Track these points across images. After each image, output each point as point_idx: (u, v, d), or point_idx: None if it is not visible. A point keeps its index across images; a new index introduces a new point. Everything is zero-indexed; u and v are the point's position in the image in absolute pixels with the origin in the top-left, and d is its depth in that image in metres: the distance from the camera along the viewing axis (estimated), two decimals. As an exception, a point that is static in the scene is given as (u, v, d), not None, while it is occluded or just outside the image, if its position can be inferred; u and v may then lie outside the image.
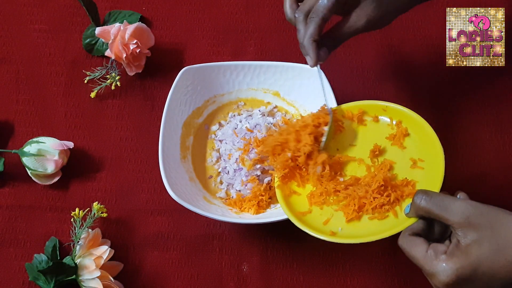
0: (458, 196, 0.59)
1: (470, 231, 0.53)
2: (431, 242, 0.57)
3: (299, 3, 0.68)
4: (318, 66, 0.69)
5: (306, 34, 0.65)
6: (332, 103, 0.74)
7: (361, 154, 0.70)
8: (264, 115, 0.82)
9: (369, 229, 0.64)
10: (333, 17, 0.66)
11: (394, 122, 0.70)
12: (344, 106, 0.73)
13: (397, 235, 0.60)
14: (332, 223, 0.66)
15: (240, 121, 0.82)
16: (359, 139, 0.72)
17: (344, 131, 0.72)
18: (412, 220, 0.59)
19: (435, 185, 0.62)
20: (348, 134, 0.72)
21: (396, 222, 0.63)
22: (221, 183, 0.79)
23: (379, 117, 0.72)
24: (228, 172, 0.79)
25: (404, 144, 0.69)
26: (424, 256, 0.55)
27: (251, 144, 0.78)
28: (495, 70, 0.83)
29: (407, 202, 0.61)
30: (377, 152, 0.70)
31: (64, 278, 0.72)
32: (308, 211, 0.68)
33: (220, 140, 0.82)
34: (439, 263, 0.54)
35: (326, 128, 0.69)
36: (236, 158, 0.79)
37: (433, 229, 0.59)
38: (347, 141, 0.72)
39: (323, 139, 0.69)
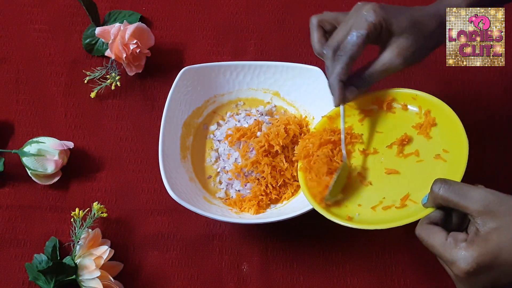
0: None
1: (490, 219, 0.52)
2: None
3: (327, 36, 0.65)
4: (342, 106, 0.67)
5: (333, 72, 0.63)
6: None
7: (387, 142, 0.70)
8: (262, 114, 0.82)
9: (386, 216, 0.64)
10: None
11: (423, 112, 0.70)
12: (375, 93, 0.72)
13: (409, 226, 0.60)
14: (350, 208, 0.66)
15: (239, 121, 0.82)
16: (387, 126, 0.72)
17: (372, 117, 0.72)
18: (429, 210, 0.59)
19: (456, 177, 0.62)
20: (376, 120, 0.72)
21: (413, 211, 0.62)
22: (220, 183, 0.79)
23: (408, 105, 0.71)
24: (228, 172, 0.79)
25: (431, 134, 0.69)
26: (443, 244, 0.54)
27: (250, 144, 0.78)
28: (495, 70, 0.83)
29: (425, 192, 0.61)
30: (405, 141, 0.69)
31: (64, 278, 0.72)
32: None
33: (219, 140, 0.82)
34: (459, 250, 0.53)
35: (334, 178, 0.67)
36: (236, 158, 0.79)
37: (451, 219, 0.58)
38: (374, 127, 0.72)
39: (331, 184, 0.67)
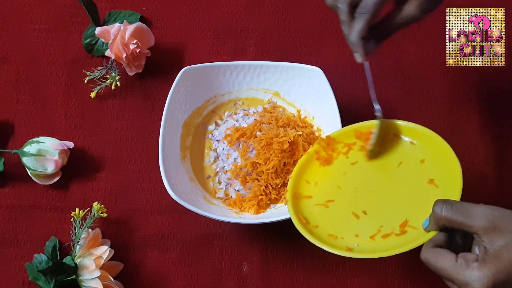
0: None
1: (497, 236, 0.51)
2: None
3: None
4: (367, 63, 0.66)
5: (353, 30, 0.61)
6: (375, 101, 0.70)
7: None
8: (262, 116, 0.82)
9: (386, 245, 0.62)
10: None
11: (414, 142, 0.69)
12: (358, 125, 0.72)
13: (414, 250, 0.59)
14: (347, 240, 0.65)
15: (237, 121, 0.82)
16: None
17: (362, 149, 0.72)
18: (432, 234, 0.57)
19: (455, 197, 0.61)
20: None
21: (414, 236, 0.61)
22: (220, 183, 0.79)
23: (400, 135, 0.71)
24: (227, 171, 0.79)
25: (422, 160, 0.68)
26: (454, 266, 0.53)
27: (250, 144, 0.78)
28: (495, 70, 0.83)
29: (423, 217, 0.59)
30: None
31: (64, 278, 0.72)
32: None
33: (217, 140, 0.82)
34: (473, 271, 0.51)
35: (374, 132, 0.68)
36: (235, 158, 0.79)
37: (455, 240, 0.56)
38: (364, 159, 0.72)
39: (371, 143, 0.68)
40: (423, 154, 0.68)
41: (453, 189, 0.62)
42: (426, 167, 0.67)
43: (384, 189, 0.68)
